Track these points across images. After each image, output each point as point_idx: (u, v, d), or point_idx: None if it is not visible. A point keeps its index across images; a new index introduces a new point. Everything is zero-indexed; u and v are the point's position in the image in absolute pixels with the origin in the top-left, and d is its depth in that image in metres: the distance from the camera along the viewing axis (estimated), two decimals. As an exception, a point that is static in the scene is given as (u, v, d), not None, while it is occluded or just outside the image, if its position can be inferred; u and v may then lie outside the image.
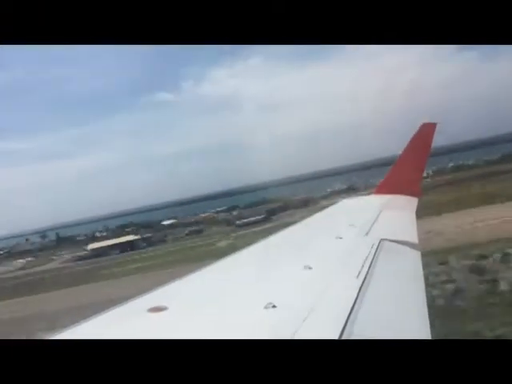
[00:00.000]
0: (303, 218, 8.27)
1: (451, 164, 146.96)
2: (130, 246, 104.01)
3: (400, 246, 5.56)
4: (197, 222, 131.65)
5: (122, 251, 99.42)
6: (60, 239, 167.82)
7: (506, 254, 33.51)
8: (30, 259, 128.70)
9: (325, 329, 2.83)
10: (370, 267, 4.27)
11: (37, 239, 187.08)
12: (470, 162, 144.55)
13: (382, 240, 5.48)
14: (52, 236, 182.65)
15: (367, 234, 5.97)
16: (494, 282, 27.74)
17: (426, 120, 9.93)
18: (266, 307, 3.08)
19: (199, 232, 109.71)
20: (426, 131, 9.96)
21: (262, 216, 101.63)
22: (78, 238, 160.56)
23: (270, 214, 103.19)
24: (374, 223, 6.70)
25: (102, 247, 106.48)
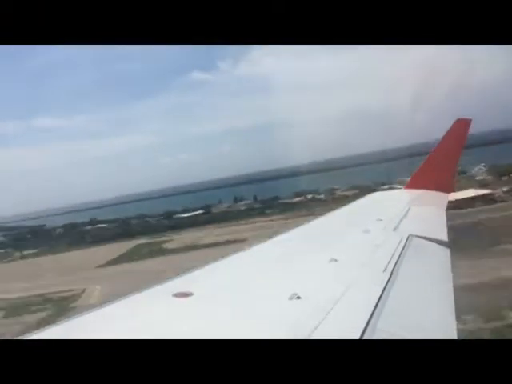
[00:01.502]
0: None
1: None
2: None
3: (429, 242, 5.47)
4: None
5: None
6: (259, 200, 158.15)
7: None
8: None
9: (348, 322, 2.82)
10: (396, 263, 4.21)
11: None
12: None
13: (410, 236, 5.40)
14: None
15: (395, 229, 5.87)
16: None
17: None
18: (290, 298, 3.09)
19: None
20: (461, 127, 9.73)
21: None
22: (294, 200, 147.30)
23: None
24: (402, 218, 6.59)
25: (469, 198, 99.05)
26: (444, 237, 5.85)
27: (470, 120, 9.83)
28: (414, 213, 7.25)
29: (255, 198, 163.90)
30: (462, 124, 9.76)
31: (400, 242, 5.06)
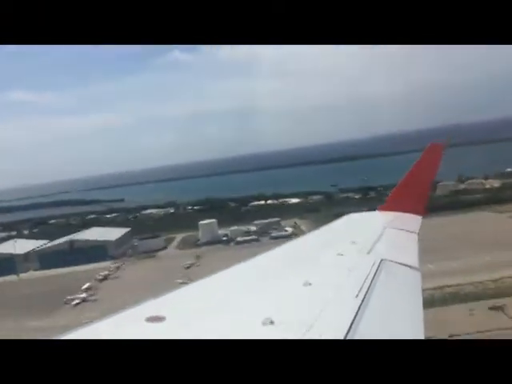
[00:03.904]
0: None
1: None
2: None
3: (401, 267, 5.55)
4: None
5: None
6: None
7: None
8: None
9: None
10: (369, 287, 4.25)
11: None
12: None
13: (383, 260, 5.46)
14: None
15: (369, 252, 5.94)
16: None
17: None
18: (263, 323, 3.07)
19: None
20: (434, 151, 9.99)
21: None
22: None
23: None
24: (376, 241, 6.66)
25: None
26: (415, 261, 5.94)
27: (443, 144, 10.21)
28: (387, 236, 7.36)
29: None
30: (436, 147, 10.09)
31: (373, 265, 5.12)
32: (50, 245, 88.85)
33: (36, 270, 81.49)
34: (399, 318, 3.95)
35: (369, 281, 4.47)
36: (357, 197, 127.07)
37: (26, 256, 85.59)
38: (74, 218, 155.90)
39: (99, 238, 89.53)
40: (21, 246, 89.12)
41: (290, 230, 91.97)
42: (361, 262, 5.35)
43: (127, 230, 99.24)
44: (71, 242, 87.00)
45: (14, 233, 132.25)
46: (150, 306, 3.56)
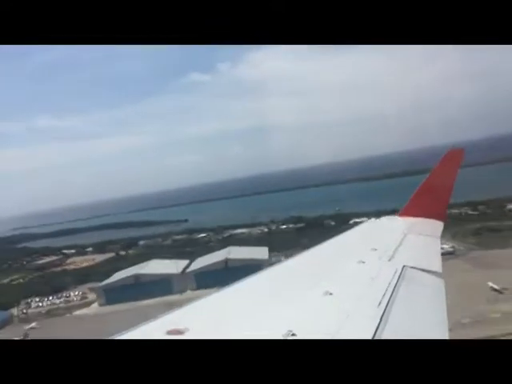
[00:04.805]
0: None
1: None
2: None
3: (423, 274, 5.39)
4: None
5: None
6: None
7: None
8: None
9: None
10: (391, 296, 4.15)
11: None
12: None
13: (405, 267, 5.35)
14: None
15: (390, 259, 5.80)
16: None
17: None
18: (285, 335, 3.06)
19: None
20: (454, 156, 9.93)
21: None
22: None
23: None
24: (397, 248, 6.52)
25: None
26: (439, 268, 5.77)
27: (463, 150, 10.13)
28: (408, 242, 7.16)
29: None
30: (455, 154, 10.03)
31: (395, 273, 5.01)
32: (203, 264, 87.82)
33: (193, 289, 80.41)
34: (423, 327, 3.84)
35: (391, 289, 4.38)
36: (470, 213, 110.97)
37: (183, 276, 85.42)
38: (161, 238, 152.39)
39: (254, 257, 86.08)
40: (162, 266, 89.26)
41: (445, 246, 75.94)
42: (382, 269, 5.23)
43: (266, 248, 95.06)
44: (226, 261, 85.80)
45: (112, 254, 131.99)
46: (171, 318, 3.59)
